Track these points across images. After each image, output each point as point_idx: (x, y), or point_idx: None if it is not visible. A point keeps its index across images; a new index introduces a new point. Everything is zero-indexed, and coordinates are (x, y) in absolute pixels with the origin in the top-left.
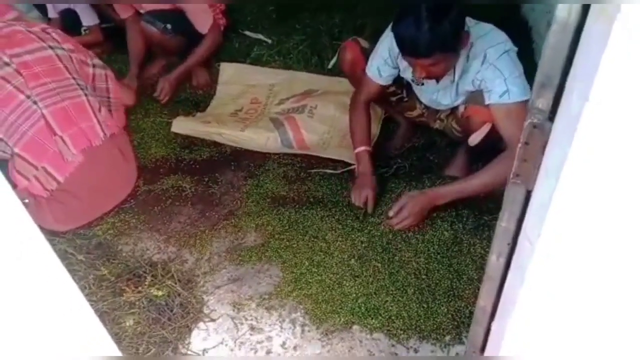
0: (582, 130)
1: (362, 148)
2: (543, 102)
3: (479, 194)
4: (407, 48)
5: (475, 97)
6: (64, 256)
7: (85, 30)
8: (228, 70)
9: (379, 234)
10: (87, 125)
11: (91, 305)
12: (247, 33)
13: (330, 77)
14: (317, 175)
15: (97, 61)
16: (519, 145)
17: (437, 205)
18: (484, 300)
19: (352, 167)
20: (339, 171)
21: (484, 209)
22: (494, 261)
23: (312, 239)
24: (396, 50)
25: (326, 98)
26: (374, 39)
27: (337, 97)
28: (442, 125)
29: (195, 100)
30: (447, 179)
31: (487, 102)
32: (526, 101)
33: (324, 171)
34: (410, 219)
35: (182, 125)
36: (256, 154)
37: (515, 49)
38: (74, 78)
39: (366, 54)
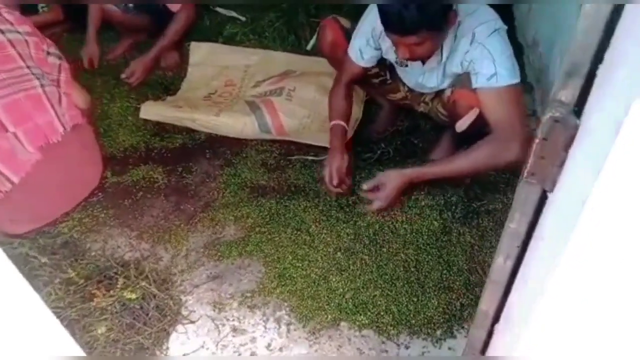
0: (630, 126)
1: (336, 122)
2: (567, 94)
3: (459, 176)
4: (392, 24)
5: (462, 80)
6: (24, 260)
7: (43, 7)
8: (199, 51)
9: (365, 225)
10: (44, 121)
11: (58, 313)
12: (219, 10)
13: (309, 57)
14: (297, 162)
15: (53, 50)
16: (535, 141)
17: (414, 183)
18: (487, 305)
19: None
20: (320, 158)
21: (472, 196)
22: (501, 264)
23: (295, 231)
24: (379, 29)
25: (305, 79)
26: (354, 17)
27: (317, 79)
28: (427, 109)
29: (165, 83)
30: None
31: (474, 86)
32: (515, 84)
33: (305, 158)
34: (386, 201)
35: (151, 111)
36: (232, 140)
37: (505, 27)
38: (28, 67)
39: (347, 33)
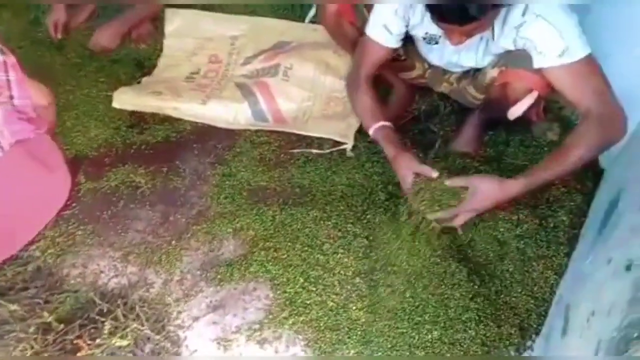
0: None
1: (378, 124)
2: None
3: (565, 175)
4: (452, 16)
5: (514, 58)
6: None
7: None
8: (176, 19)
9: (385, 242)
10: None
11: None
12: None
13: (304, 25)
14: (300, 156)
15: None
16: None
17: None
18: None
19: (343, 146)
20: (326, 151)
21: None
22: None
23: (306, 248)
24: None
25: (303, 54)
26: None
27: (316, 53)
28: (449, 89)
29: (138, 58)
30: (455, 156)
31: (540, 66)
32: (590, 54)
33: (309, 151)
34: (474, 211)
35: (126, 99)
36: (222, 131)
37: None
38: None
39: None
